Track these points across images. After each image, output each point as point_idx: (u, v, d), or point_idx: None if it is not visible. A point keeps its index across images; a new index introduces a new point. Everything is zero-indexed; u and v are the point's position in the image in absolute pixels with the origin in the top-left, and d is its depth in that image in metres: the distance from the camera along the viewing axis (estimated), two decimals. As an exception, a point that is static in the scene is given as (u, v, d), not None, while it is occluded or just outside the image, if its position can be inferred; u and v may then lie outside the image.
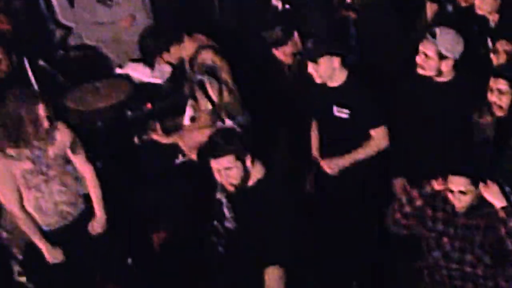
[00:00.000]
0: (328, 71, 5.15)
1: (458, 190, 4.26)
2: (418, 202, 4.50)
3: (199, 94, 5.51)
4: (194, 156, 5.37)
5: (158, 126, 5.76)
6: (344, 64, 5.14)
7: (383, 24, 5.99)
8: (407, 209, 4.54)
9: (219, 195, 4.61)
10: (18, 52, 6.11)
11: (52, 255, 5.09)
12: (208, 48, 5.56)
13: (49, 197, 5.04)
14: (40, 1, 7.15)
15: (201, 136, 5.17)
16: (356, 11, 6.09)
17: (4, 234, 5.39)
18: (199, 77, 5.53)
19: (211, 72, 5.47)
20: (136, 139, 5.85)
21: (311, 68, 5.15)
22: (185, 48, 5.63)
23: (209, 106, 5.51)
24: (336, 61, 5.12)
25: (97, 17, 6.86)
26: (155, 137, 5.72)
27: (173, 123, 5.82)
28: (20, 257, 5.38)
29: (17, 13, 6.58)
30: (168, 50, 5.59)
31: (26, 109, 4.79)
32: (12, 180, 4.91)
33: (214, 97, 5.47)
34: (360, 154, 5.25)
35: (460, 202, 4.31)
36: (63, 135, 5.07)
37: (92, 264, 5.30)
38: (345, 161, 5.27)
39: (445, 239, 4.46)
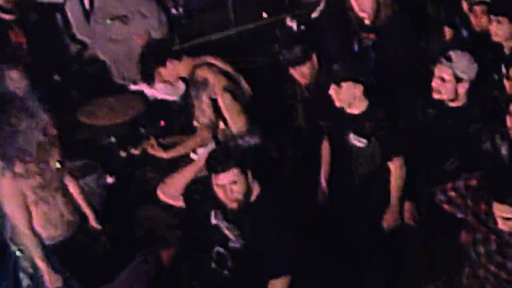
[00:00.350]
0: (350, 97, 5.18)
1: (503, 216, 4.20)
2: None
3: (195, 110, 5.59)
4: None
5: (154, 141, 5.79)
6: (366, 93, 5.20)
7: (400, 46, 5.98)
8: (462, 190, 4.51)
9: (214, 221, 4.59)
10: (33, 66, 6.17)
11: (52, 280, 5.10)
12: (203, 66, 5.60)
13: (55, 209, 5.08)
14: (56, 16, 7.20)
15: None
16: (375, 33, 6.07)
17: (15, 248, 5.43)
18: (193, 93, 5.58)
19: (203, 88, 5.53)
20: (123, 153, 5.89)
21: (332, 91, 5.16)
22: (183, 66, 5.67)
23: (206, 121, 5.56)
24: (359, 89, 5.16)
25: (112, 33, 6.90)
26: (152, 151, 5.74)
27: (172, 139, 5.86)
28: (30, 271, 5.39)
29: (32, 27, 6.59)
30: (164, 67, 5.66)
31: (35, 120, 4.83)
32: (22, 200, 4.95)
33: (208, 113, 5.53)
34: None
35: (507, 227, 4.25)
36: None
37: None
38: None
39: (493, 237, 4.38)
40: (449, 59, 4.92)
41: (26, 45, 6.47)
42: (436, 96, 5.02)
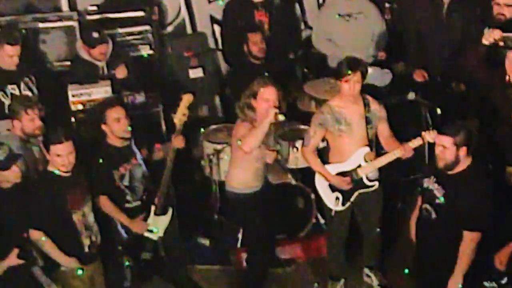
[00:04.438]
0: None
1: None
2: None
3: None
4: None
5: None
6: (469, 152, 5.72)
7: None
8: None
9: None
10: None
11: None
12: None
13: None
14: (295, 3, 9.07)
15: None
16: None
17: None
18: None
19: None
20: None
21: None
22: None
23: None
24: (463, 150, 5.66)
25: (336, 27, 8.38)
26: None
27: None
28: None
29: (275, 9, 8.41)
30: None
31: None
32: None
33: None
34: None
35: None
36: None
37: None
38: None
39: None
40: None
41: (268, 24, 8.23)
42: (441, 163, 5.74)
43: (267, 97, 6.30)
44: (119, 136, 6.44)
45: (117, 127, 6.40)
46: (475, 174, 5.70)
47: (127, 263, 6.64)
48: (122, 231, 6.57)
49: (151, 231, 6.65)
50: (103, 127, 6.43)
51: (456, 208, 5.64)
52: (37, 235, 5.75)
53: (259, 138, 6.25)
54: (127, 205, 6.56)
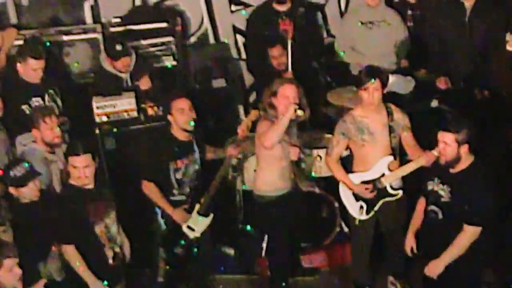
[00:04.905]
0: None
1: None
2: None
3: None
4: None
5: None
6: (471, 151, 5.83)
7: None
8: None
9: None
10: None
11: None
12: None
13: None
14: (318, 13, 9.10)
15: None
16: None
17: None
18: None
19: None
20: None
21: None
22: None
23: None
24: (465, 147, 5.77)
25: (358, 34, 8.41)
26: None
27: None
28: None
29: (299, 18, 8.43)
30: None
31: None
32: None
33: None
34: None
35: None
36: None
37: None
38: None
39: None
40: None
41: (291, 32, 8.21)
42: (442, 160, 5.83)
43: (287, 95, 6.40)
44: (182, 128, 6.59)
45: (181, 117, 6.56)
46: (478, 171, 5.78)
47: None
48: (162, 222, 6.72)
49: (190, 228, 6.75)
50: (169, 117, 6.61)
51: (463, 205, 5.73)
52: (71, 253, 5.83)
53: (279, 133, 6.33)
54: (170, 197, 6.70)
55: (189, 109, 6.56)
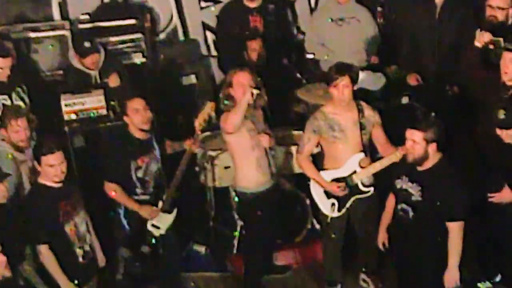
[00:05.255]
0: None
1: None
2: None
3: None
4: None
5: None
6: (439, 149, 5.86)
7: None
8: None
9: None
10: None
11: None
12: None
13: None
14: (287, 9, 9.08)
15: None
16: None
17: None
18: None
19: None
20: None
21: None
22: None
23: None
24: (433, 146, 5.80)
25: (328, 32, 8.39)
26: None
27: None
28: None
29: (268, 15, 8.51)
30: None
31: None
32: None
33: None
34: None
35: None
36: None
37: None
38: None
39: None
40: None
41: (262, 28, 8.32)
42: (410, 157, 5.88)
43: (241, 81, 6.41)
44: (139, 128, 6.52)
45: (136, 118, 6.49)
46: (446, 168, 5.83)
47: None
48: (125, 222, 6.66)
49: (155, 226, 6.71)
50: (125, 118, 6.53)
51: (435, 202, 5.74)
52: (45, 253, 5.77)
53: (239, 115, 6.34)
54: (134, 196, 6.63)
55: (143, 109, 6.49)
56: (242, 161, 6.61)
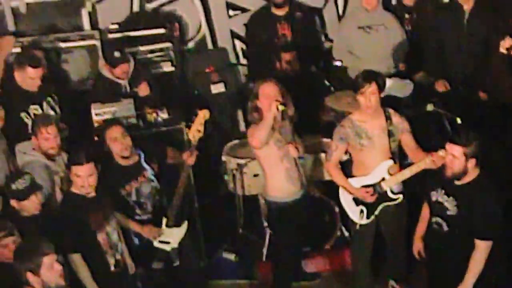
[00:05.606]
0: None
1: None
2: None
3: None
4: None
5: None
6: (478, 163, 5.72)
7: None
8: None
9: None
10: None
11: None
12: None
13: None
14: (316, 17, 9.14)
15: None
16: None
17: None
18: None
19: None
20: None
21: None
22: None
23: None
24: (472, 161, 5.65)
25: (356, 39, 8.41)
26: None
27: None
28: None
29: (297, 23, 8.55)
30: None
31: None
32: None
33: None
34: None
35: None
36: None
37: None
38: None
39: None
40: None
41: (290, 36, 8.39)
42: (448, 172, 5.73)
43: (268, 93, 6.43)
44: (118, 155, 6.54)
45: (114, 146, 6.52)
46: (485, 184, 5.71)
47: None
48: (136, 239, 6.67)
49: (164, 242, 6.74)
50: (109, 147, 6.55)
51: (468, 218, 5.67)
52: (77, 261, 5.85)
53: (265, 130, 6.36)
54: (137, 217, 6.67)
55: (122, 136, 6.51)
56: (272, 172, 6.65)
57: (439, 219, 5.87)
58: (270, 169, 6.65)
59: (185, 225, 6.83)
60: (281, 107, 6.33)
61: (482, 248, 5.68)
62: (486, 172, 5.75)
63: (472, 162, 5.63)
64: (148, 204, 6.71)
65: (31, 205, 5.90)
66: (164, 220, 6.71)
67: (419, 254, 6.25)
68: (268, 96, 6.40)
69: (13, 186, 5.92)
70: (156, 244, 6.72)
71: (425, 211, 6.14)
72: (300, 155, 6.70)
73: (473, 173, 5.69)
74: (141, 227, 6.61)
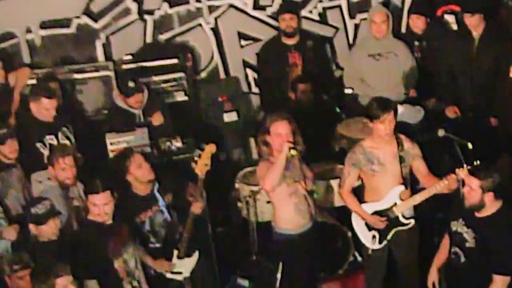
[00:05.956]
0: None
1: None
2: None
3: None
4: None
5: None
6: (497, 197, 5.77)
7: None
8: None
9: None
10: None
11: None
12: None
13: None
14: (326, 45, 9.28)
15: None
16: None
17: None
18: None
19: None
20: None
21: None
22: None
23: None
24: (490, 195, 5.70)
25: (366, 66, 8.54)
26: None
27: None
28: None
29: (307, 52, 8.69)
30: None
31: None
32: None
33: None
34: None
35: None
36: None
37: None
38: None
39: None
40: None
41: (301, 65, 8.51)
42: (466, 203, 5.78)
43: (280, 132, 6.46)
44: (144, 181, 6.66)
45: (140, 173, 6.63)
46: (505, 218, 5.71)
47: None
48: (151, 270, 6.75)
49: (176, 272, 6.84)
50: (128, 177, 6.66)
51: (486, 252, 5.68)
52: None
53: (277, 174, 6.40)
54: (151, 245, 6.77)
55: (144, 161, 6.66)
56: (280, 206, 6.69)
57: (457, 250, 5.92)
58: (278, 203, 6.69)
59: (196, 255, 6.92)
60: (293, 152, 6.37)
61: (499, 283, 5.71)
62: (508, 206, 5.77)
63: (489, 196, 5.67)
64: (162, 232, 6.81)
65: (49, 230, 6.01)
66: (175, 252, 6.81)
67: (433, 286, 6.27)
68: (280, 135, 6.45)
69: (33, 211, 6.05)
70: (168, 275, 6.82)
71: (446, 241, 6.17)
72: (309, 189, 6.73)
73: (493, 206, 5.72)
74: (154, 262, 6.70)
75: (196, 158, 6.78)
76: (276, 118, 6.54)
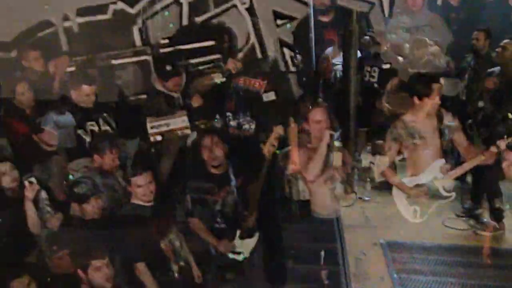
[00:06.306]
0: None
1: None
2: None
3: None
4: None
5: None
6: None
7: None
8: None
9: None
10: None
11: None
12: None
13: None
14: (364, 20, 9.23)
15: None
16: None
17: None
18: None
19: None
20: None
21: None
22: None
23: None
24: None
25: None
26: None
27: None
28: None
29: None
30: None
31: None
32: None
33: None
34: None
35: None
36: None
37: None
38: None
39: None
40: None
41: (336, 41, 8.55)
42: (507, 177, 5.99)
43: (318, 119, 6.57)
44: (212, 165, 6.73)
45: (207, 155, 6.71)
46: None
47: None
48: (212, 249, 6.83)
49: (236, 252, 6.89)
50: (204, 156, 6.75)
51: None
52: (142, 270, 6.03)
53: (319, 164, 6.53)
54: (216, 225, 6.83)
55: (215, 145, 6.72)
56: (315, 191, 6.77)
57: None
58: (314, 189, 6.77)
59: (256, 236, 6.98)
60: (333, 137, 6.49)
61: None
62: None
63: None
64: (230, 213, 6.88)
65: (91, 209, 6.15)
66: (238, 232, 6.87)
67: None
68: (318, 121, 6.56)
69: (75, 190, 6.21)
70: (230, 255, 6.87)
71: None
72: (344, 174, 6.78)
73: None
74: (217, 242, 6.77)
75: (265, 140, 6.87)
76: (314, 106, 6.69)
